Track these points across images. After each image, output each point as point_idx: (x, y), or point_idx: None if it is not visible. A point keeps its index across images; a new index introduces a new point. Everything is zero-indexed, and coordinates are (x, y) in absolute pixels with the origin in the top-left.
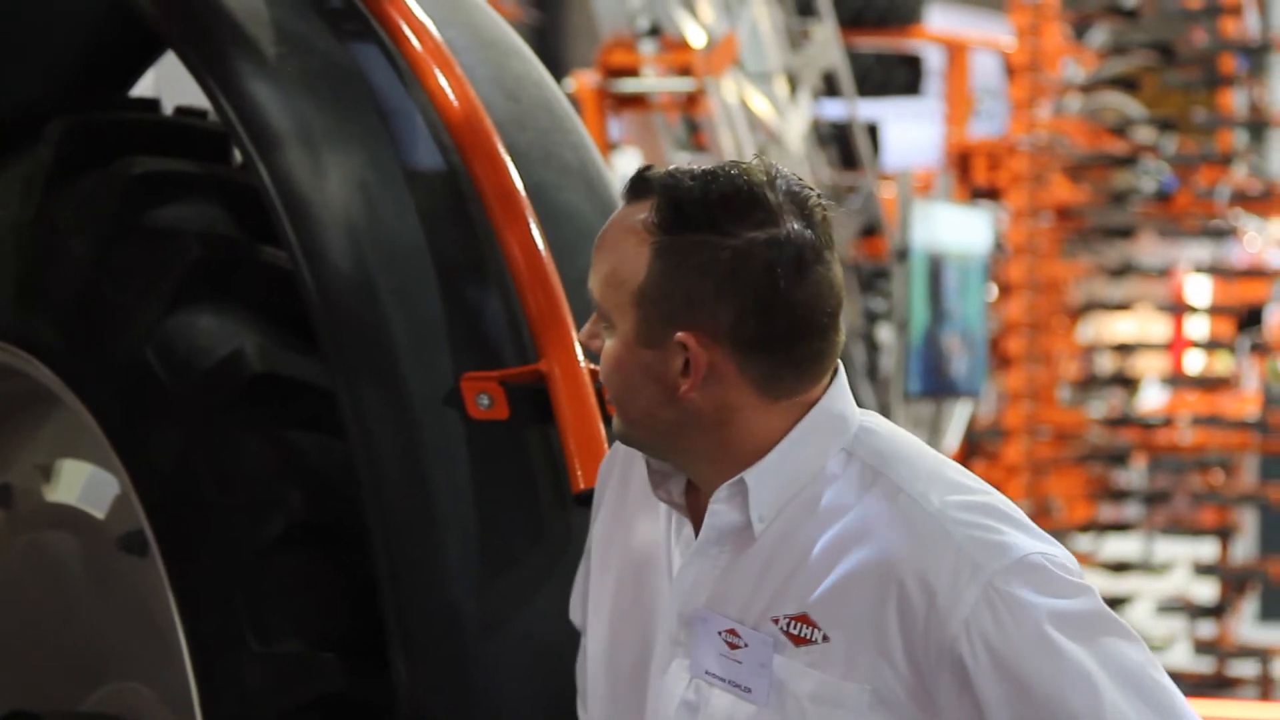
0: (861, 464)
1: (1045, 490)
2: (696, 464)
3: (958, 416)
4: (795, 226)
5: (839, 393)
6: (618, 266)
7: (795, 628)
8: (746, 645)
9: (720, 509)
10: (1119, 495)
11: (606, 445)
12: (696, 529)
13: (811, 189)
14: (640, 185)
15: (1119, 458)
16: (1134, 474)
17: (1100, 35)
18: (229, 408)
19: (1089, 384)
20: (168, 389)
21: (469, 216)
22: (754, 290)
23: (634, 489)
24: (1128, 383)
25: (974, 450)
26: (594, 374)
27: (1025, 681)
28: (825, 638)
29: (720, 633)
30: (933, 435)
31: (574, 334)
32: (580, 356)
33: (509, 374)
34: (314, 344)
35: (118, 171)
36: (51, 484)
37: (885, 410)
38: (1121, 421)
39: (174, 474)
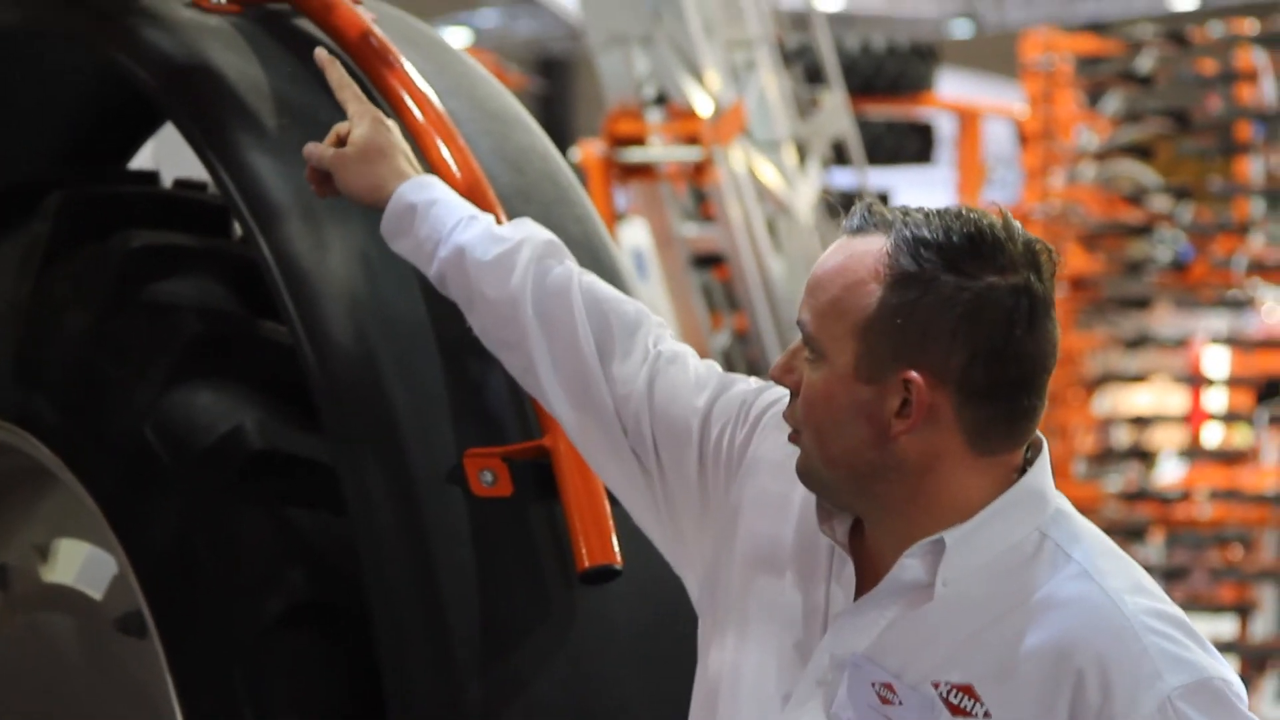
0: (1055, 547)
1: None
2: (882, 513)
3: None
4: (1031, 277)
5: (1042, 470)
6: (843, 296)
7: (956, 697)
8: (901, 703)
9: (911, 564)
10: None
11: (611, 522)
12: (860, 571)
13: (1042, 242)
14: (867, 220)
15: (1136, 533)
16: (1151, 549)
17: (1114, 102)
18: (229, 485)
19: (1105, 457)
20: (166, 467)
21: None
22: (989, 335)
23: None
24: (1145, 456)
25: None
26: None
27: None
28: (986, 714)
29: (874, 684)
30: None
31: None
32: None
33: (512, 450)
34: (315, 420)
35: (115, 245)
36: (48, 564)
37: None
38: (1139, 496)
39: (173, 554)
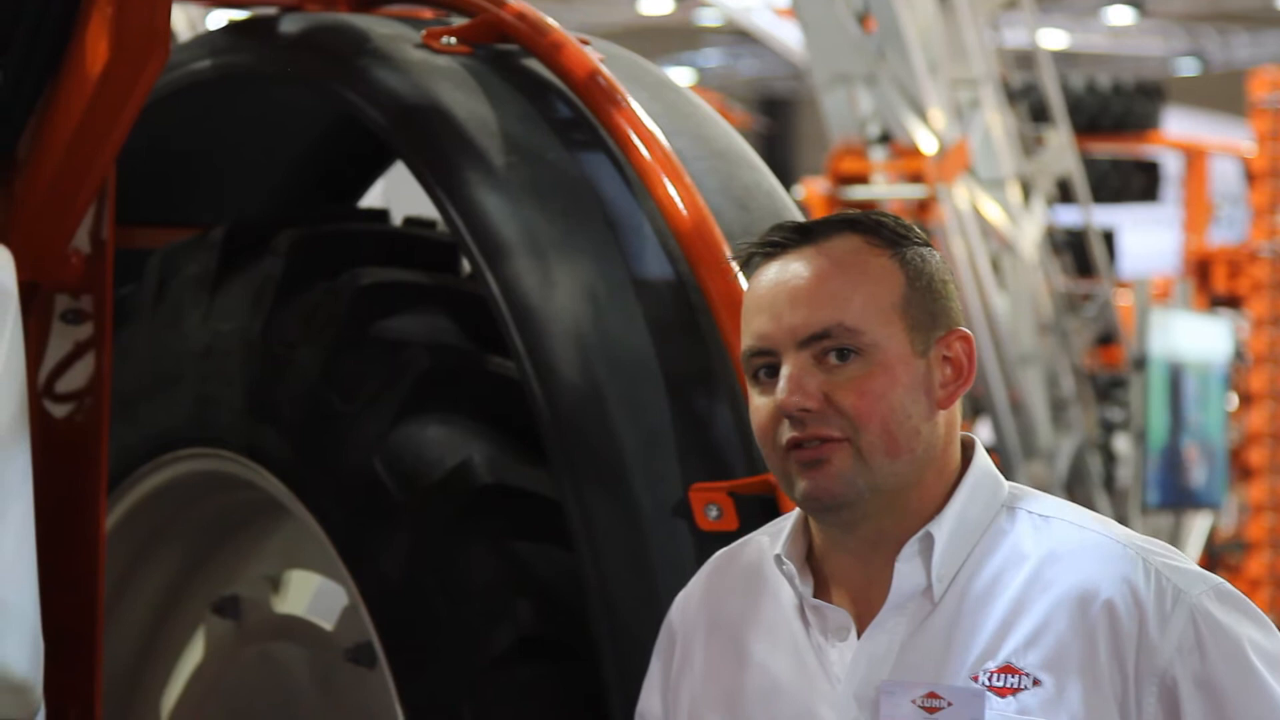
0: (1027, 515)
1: None
2: (893, 514)
3: (1198, 529)
4: None
5: (985, 453)
6: (873, 287)
7: (999, 679)
8: (950, 704)
9: (905, 569)
10: None
11: None
12: (854, 615)
13: None
14: (807, 229)
15: None
16: None
17: None
18: (457, 519)
19: None
20: (396, 499)
21: (698, 326)
22: (955, 290)
23: (725, 629)
24: None
25: (1215, 564)
26: None
27: (1222, 699)
28: (1035, 681)
29: (915, 699)
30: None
31: None
32: None
33: (738, 485)
34: (542, 454)
35: (346, 282)
36: (280, 595)
37: (1123, 522)
38: None
39: (402, 585)
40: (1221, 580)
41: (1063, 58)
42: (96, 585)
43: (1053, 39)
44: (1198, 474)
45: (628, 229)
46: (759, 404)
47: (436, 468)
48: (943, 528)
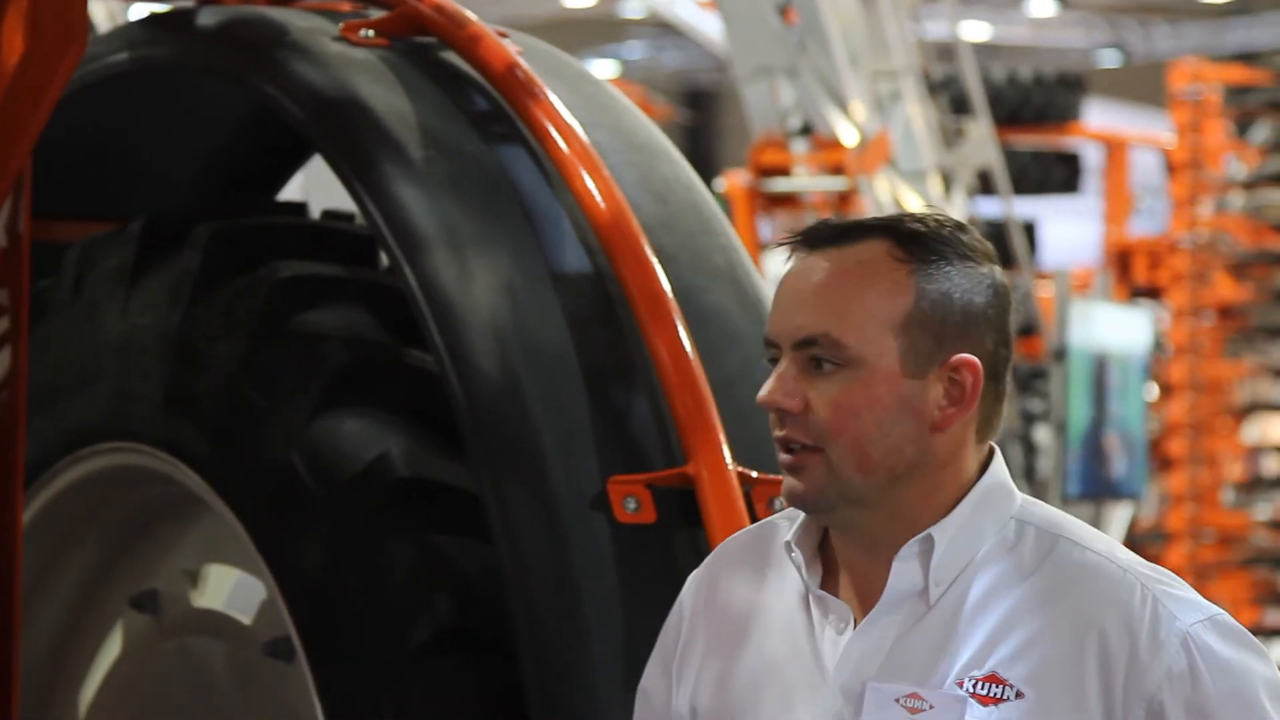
0: (1035, 530)
1: (1209, 595)
2: (888, 521)
3: (1118, 519)
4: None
5: (1003, 464)
6: (875, 301)
7: (984, 688)
8: (932, 708)
9: (902, 569)
10: None
11: None
12: (856, 609)
13: None
14: (844, 230)
15: None
16: None
17: (1263, 132)
18: (375, 512)
19: (1253, 486)
20: (314, 493)
21: (616, 319)
22: (1002, 317)
23: (729, 609)
24: None
25: (1135, 553)
26: (742, 476)
27: None
28: (1019, 694)
29: (899, 699)
30: None
31: (722, 436)
32: (728, 458)
33: (656, 477)
34: (460, 447)
35: (264, 276)
36: (198, 589)
37: None
38: None
39: (321, 579)
40: (1220, 610)
41: (984, 49)
42: (13, 581)
43: (974, 31)
44: (1118, 464)
45: (546, 222)
46: None
47: (354, 461)
48: (945, 532)
